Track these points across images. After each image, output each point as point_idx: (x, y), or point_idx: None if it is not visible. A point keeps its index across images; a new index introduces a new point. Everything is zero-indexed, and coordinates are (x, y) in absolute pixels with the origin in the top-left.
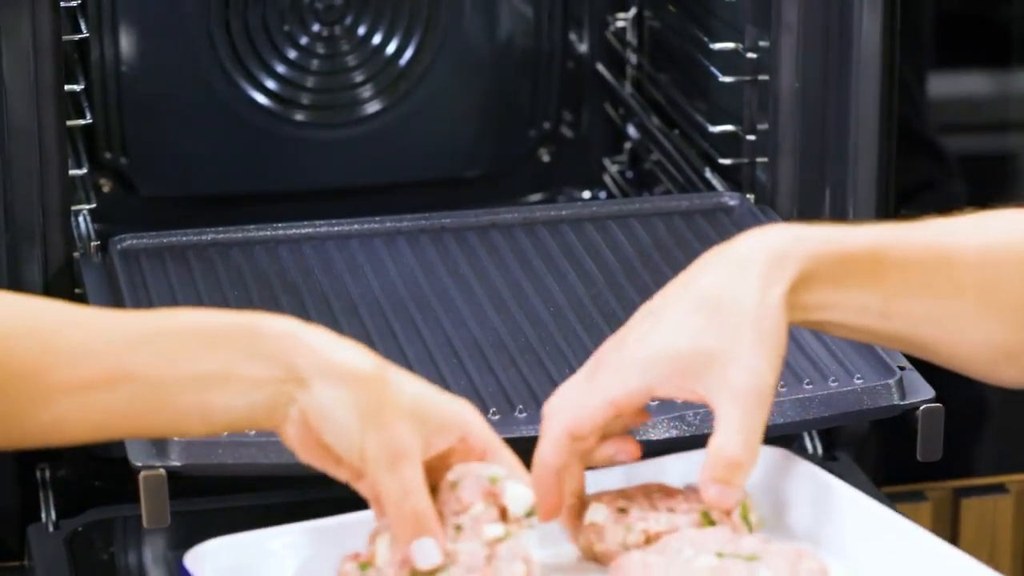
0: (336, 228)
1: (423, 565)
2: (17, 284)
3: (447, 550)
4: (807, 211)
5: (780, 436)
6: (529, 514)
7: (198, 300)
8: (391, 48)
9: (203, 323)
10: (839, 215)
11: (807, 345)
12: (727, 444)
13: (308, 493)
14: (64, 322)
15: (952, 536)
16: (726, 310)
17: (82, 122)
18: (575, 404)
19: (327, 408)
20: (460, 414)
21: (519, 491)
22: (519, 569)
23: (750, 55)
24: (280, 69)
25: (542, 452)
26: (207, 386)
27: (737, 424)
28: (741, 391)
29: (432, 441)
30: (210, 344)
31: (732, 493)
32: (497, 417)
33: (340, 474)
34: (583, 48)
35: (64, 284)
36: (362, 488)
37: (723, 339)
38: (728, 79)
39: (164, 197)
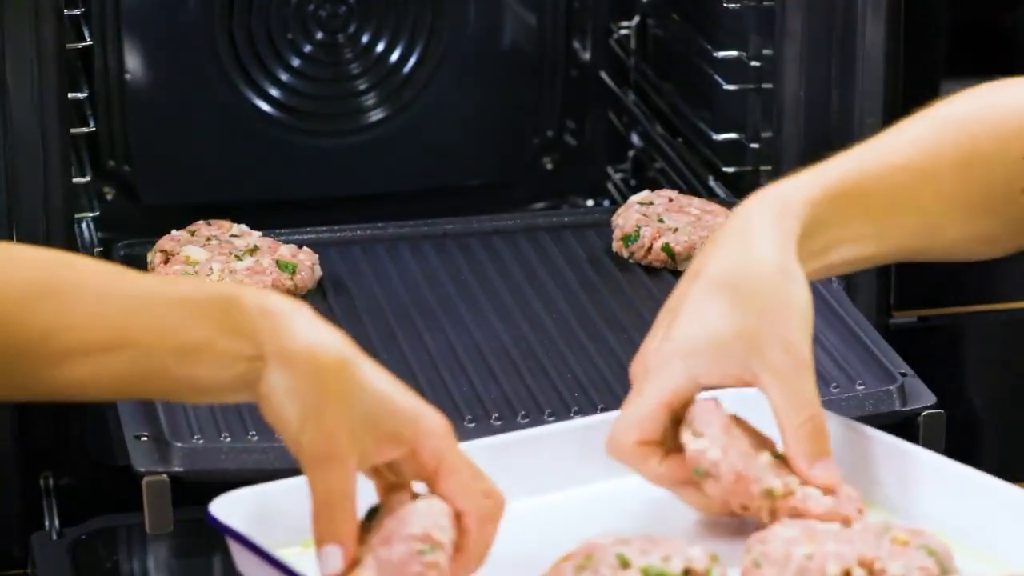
0: (339, 235)
1: (325, 571)
2: None
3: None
4: None
5: None
6: None
7: None
8: (394, 56)
9: (193, 293)
10: None
11: None
12: (795, 416)
13: None
14: (78, 285)
15: None
16: (745, 289)
17: (86, 130)
18: (633, 417)
19: (274, 393)
20: (415, 425)
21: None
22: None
23: (754, 63)
24: (283, 77)
25: (619, 457)
26: (192, 357)
27: (798, 398)
28: (784, 368)
29: (379, 447)
30: (197, 315)
31: (832, 466)
32: (500, 423)
33: None
34: (586, 56)
35: None
36: None
37: (750, 318)
38: (732, 87)
39: (167, 205)
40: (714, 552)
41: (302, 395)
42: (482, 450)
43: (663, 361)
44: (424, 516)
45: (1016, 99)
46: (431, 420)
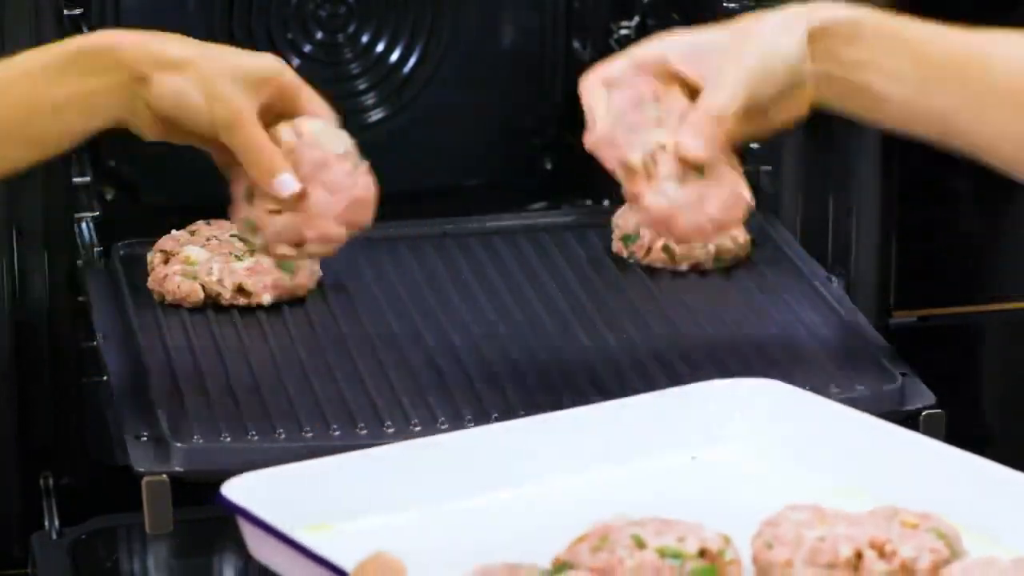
0: None
1: (286, 193)
2: (22, 291)
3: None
4: (812, 218)
5: None
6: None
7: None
8: (394, 56)
9: (62, 49)
10: (843, 222)
11: (808, 351)
12: (711, 98)
13: None
14: None
15: None
16: (745, 28)
17: None
18: (603, 64)
19: (174, 94)
20: (272, 65)
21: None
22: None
23: None
24: None
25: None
26: (66, 109)
27: (724, 81)
28: (732, 65)
29: (257, 93)
30: (65, 68)
31: (706, 147)
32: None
33: (202, 143)
34: (587, 56)
35: (68, 291)
36: (216, 154)
37: (736, 40)
38: None
39: (167, 205)
40: (726, 534)
41: (197, 84)
42: (484, 435)
43: (657, 38)
44: (330, 134)
45: None
46: (276, 59)
